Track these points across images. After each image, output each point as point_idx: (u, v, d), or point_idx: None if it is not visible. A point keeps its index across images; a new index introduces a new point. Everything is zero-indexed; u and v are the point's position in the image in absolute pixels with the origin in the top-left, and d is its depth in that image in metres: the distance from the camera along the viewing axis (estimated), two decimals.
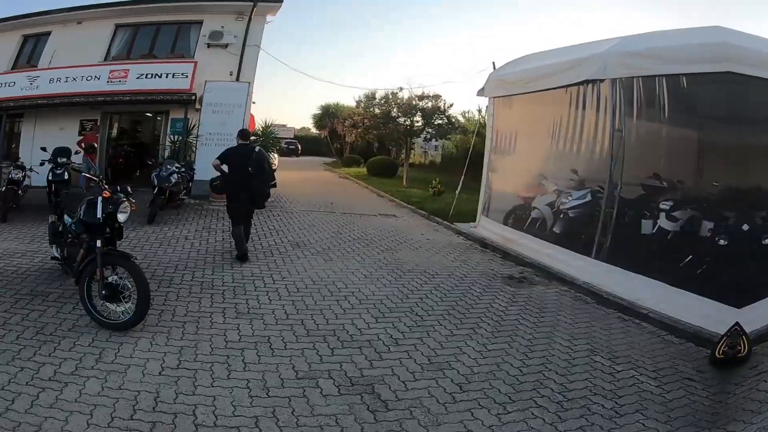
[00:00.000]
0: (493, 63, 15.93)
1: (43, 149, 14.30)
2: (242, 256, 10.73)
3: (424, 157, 49.73)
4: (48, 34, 22.35)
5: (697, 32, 9.17)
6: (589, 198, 11.32)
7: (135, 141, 27.42)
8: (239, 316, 7.31)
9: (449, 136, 35.68)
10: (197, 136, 19.06)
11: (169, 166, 14.60)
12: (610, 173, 10.20)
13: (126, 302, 6.51)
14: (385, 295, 8.81)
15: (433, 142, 39.53)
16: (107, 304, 6.53)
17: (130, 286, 6.50)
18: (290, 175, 31.89)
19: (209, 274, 9.48)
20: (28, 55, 22.87)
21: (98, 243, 6.54)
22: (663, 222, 9.57)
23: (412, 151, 37.61)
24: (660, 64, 8.94)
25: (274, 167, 28.37)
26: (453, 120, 33.39)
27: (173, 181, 14.20)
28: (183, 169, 15.57)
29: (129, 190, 7.34)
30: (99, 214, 6.66)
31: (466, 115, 38.87)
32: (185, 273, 9.48)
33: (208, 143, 18.38)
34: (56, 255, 8.47)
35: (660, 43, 9.29)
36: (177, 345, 6.15)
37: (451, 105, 31.51)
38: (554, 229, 12.10)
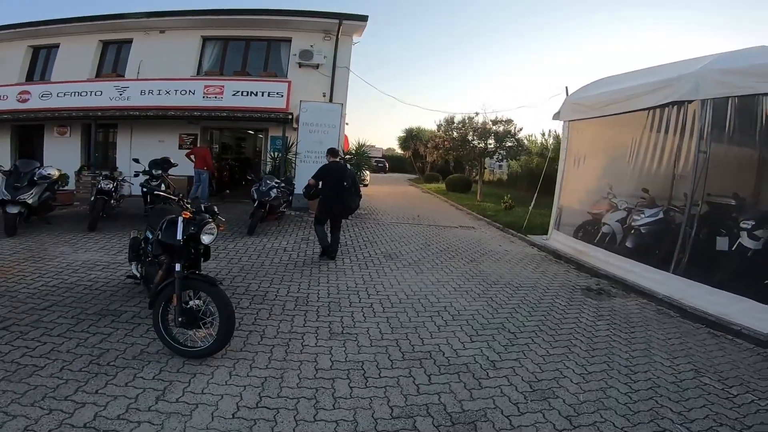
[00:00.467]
0: (566, 88, 15.05)
1: (136, 160, 13.78)
2: (326, 251, 10.97)
3: (492, 175, 48.95)
4: (129, 41, 21.85)
5: None
6: (661, 216, 10.61)
7: (239, 156, 27.31)
8: (333, 337, 6.40)
9: (519, 157, 35.05)
10: (296, 154, 18.31)
11: (268, 181, 13.82)
12: (692, 192, 9.31)
13: (207, 328, 5.51)
14: (475, 309, 7.97)
15: (499, 162, 38.71)
16: (184, 330, 5.51)
17: (213, 311, 5.47)
18: (381, 189, 32.95)
19: (305, 288, 8.57)
20: (112, 63, 22.35)
21: (177, 266, 5.46)
22: (745, 240, 8.64)
23: (485, 169, 36.78)
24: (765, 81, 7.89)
25: (366, 182, 28.11)
26: (523, 142, 32.82)
27: (272, 195, 13.46)
28: (283, 184, 14.78)
29: (215, 210, 6.32)
30: (179, 236, 5.62)
31: (530, 138, 38.88)
32: (280, 287, 8.53)
33: (306, 160, 17.71)
34: (135, 273, 7.29)
35: (762, 60, 8.14)
36: (260, 375, 5.11)
37: (521, 129, 31.08)
38: (626, 244, 11.28)
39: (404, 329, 6.80)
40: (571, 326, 7.43)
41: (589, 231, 12.90)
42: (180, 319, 5.33)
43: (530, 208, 17.16)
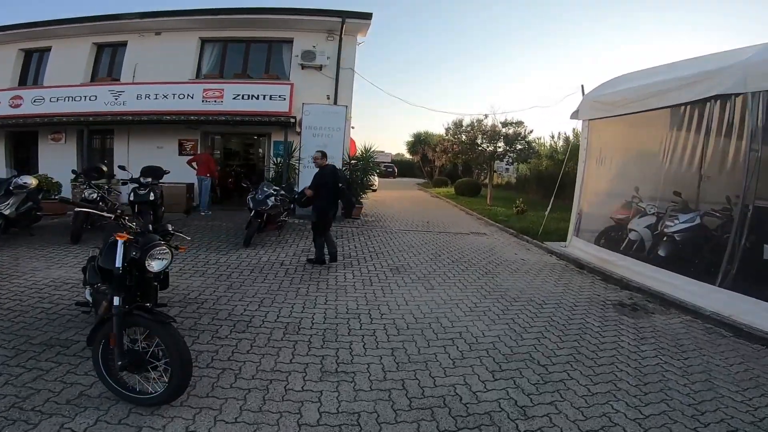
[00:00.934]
0: (582, 86, 13.96)
1: (122, 168, 12.68)
2: (319, 261, 10.53)
3: (500, 179, 48.04)
4: (124, 44, 20.69)
5: None
6: (698, 221, 9.40)
7: (243, 162, 26.35)
8: (324, 378, 5.07)
9: (530, 160, 33.64)
10: (299, 159, 17.27)
11: (265, 189, 12.52)
12: (744, 195, 8.09)
13: (156, 372, 4.35)
14: (496, 335, 6.70)
15: (507, 165, 37.57)
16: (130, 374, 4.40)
17: (163, 354, 4.30)
18: (390, 193, 32.27)
19: (298, 312, 7.27)
20: (107, 67, 21.22)
21: (116, 300, 4.27)
22: None
23: (495, 173, 35.76)
24: None
25: (374, 188, 27.27)
26: (533, 145, 31.53)
27: (270, 204, 12.18)
28: (282, 191, 13.42)
29: (170, 228, 5.17)
30: (118, 262, 4.45)
31: (538, 141, 36.97)
32: (270, 310, 7.25)
33: (310, 165, 16.06)
34: (87, 299, 5.89)
35: None
36: None
37: (531, 131, 29.83)
38: (659, 252, 10.02)
39: (412, 364, 5.53)
40: (612, 353, 6.22)
41: (612, 238, 11.77)
42: (120, 362, 4.17)
43: (546, 213, 15.96)
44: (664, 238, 9.93)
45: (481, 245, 14.17)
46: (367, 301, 7.95)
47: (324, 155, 10.73)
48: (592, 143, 12.95)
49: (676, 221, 9.71)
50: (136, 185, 12.18)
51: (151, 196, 11.97)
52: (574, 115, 13.49)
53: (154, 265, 4.60)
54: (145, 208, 11.74)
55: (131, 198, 12.00)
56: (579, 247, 12.73)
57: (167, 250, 4.74)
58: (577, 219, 13.31)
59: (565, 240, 13.87)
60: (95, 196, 11.85)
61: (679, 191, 9.95)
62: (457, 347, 6.14)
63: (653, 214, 10.55)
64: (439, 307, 7.80)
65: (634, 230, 10.83)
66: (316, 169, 10.55)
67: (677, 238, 9.66)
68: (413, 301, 8.06)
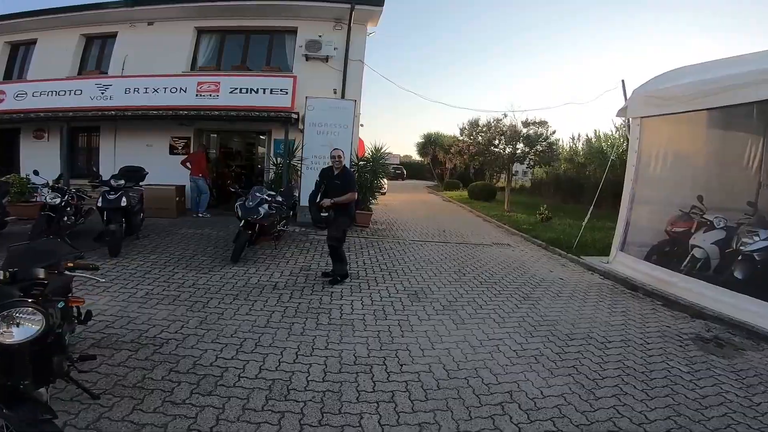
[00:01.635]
0: (623, 81, 12.30)
1: (95, 170, 11.07)
2: (345, 275, 9.29)
3: (514, 182, 46.73)
4: (114, 35, 19.29)
5: None
6: None
7: (246, 163, 24.67)
8: None
9: (553, 163, 31.45)
10: (302, 159, 15.52)
11: (257, 194, 10.57)
12: None
13: None
14: (559, 394, 4.90)
15: (528, 168, 36.04)
16: None
17: None
18: (400, 197, 31.08)
19: (289, 360, 5.36)
20: (96, 60, 19.81)
21: None
22: None
23: (514, 176, 34.37)
24: None
25: (384, 190, 25.92)
26: (555, 147, 29.54)
27: (262, 213, 10.25)
28: (279, 197, 11.60)
29: (40, 274, 3.23)
30: None
31: (557, 142, 35.26)
32: (251, 358, 5.33)
33: (313, 166, 14.73)
34: None
35: None
36: None
37: (554, 131, 27.91)
38: (734, 274, 8.38)
39: None
40: (722, 411, 4.77)
41: (667, 254, 10.14)
42: None
43: (584, 222, 14.22)
44: (739, 257, 8.34)
45: (508, 260, 12.41)
46: (381, 344, 6.03)
47: (343, 153, 9.51)
48: (645, 145, 11.30)
49: (756, 237, 8.10)
50: (107, 188, 10.51)
51: (123, 202, 10.22)
52: (622, 112, 12.04)
53: (15, 334, 2.81)
54: (115, 215, 10.09)
55: (99, 203, 10.27)
56: (626, 263, 11.10)
57: (34, 311, 2.90)
58: (624, 231, 11.61)
59: (604, 254, 12.29)
60: (58, 201, 10.24)
61: (754, 201, 8.35)
62: (511, 418, 4.36)
63: (722, 228, 8.90)
64: (475, 352, 5.95)
65: (699, 247, 9.21)
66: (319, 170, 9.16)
67: (757, 258, 8.05)
68: (441, 343, 6.18)
